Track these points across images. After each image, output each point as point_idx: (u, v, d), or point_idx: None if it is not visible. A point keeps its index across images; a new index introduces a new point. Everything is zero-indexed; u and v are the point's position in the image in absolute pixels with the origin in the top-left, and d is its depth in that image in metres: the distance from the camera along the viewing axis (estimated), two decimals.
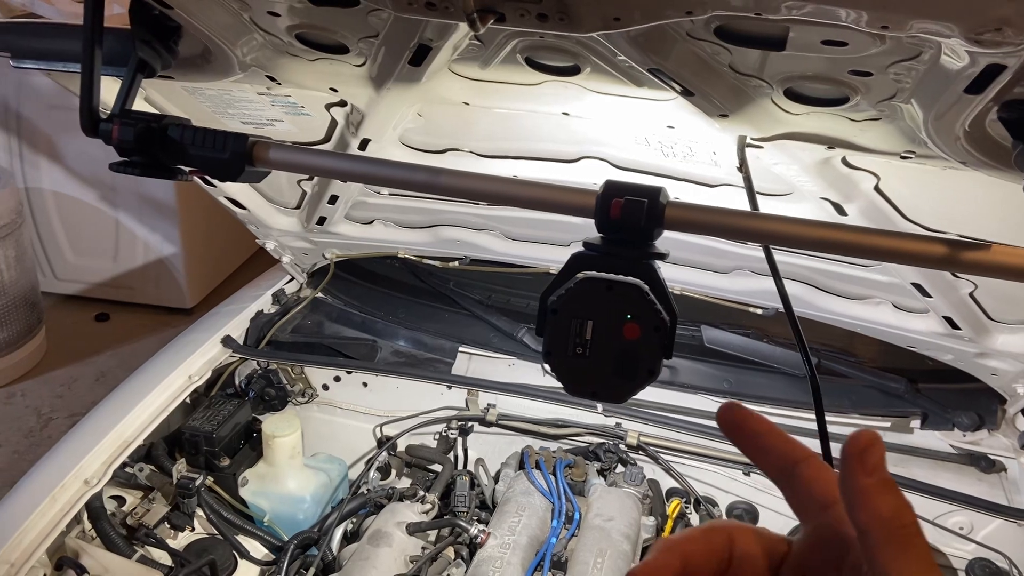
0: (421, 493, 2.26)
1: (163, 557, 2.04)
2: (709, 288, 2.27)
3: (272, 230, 2.50)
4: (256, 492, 2.29)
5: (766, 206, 1.57)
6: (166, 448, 2.25)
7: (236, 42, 1.46)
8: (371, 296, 2.79)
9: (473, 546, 2.05)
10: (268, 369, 2.55)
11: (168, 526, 2.14)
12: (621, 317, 0.99)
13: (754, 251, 2.04)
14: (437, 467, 2.44)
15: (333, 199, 2.29)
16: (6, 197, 4.17)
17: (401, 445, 2.48)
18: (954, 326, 1.99)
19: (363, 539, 2.09)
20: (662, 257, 1.01)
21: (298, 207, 2.40)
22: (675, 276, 2.25)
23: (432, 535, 2.15)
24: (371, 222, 2.47)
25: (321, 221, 2.41)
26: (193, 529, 2.19)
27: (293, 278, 2.82)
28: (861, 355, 2.39)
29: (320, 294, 2.79)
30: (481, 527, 2.06)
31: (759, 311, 2.27)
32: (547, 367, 1.11)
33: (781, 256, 1.84)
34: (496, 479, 2.35)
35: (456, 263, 2.53)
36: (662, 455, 2.31)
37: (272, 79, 1.64)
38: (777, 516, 2.26)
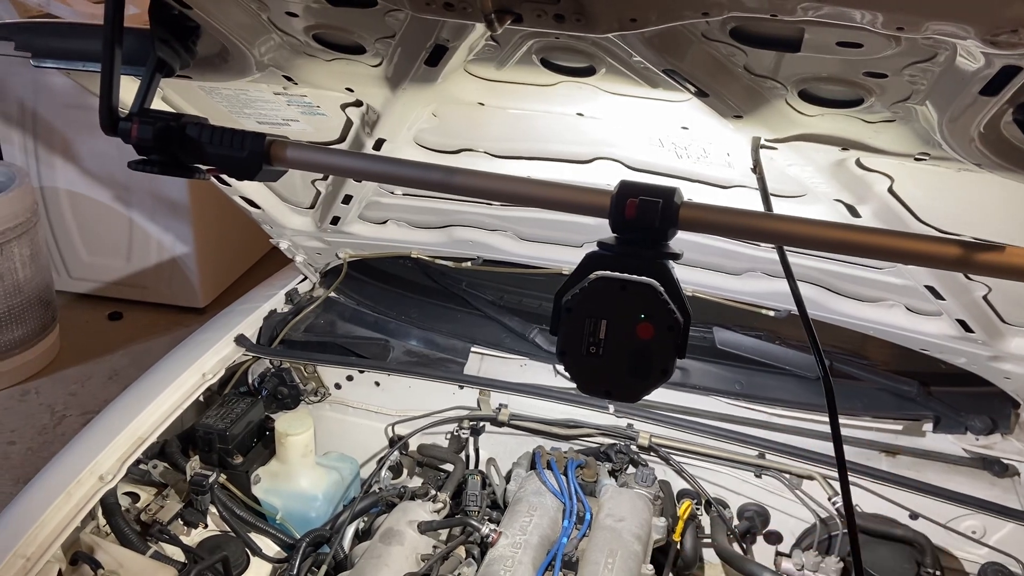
0: (433, 492, 2.27)
1: (176, 553, 2.05)
2: (721, 290, 2.27)
3: (286, 229, 2.52)
4: (268, 490, 2.30)
5: (780, 208, 1.57)
6: (180, 445, 2.27)
7: (254, 42, 1.47)
8: (384, 296, 2.80)
9: (484, 545, 2.06)
10: (281, 368, 2.56)
11: (181, 523, 2.15)
12: (635, 316, 1.00)
13: (766, 253, 2.03)
14: (449, 466, 2.44)
15: (347, 199, 2.30)
16: (21, 196, 4.20)
17: (413, 444, 2.49)
18: (967, 329, 1.99)
19: (375, 537, 2.10)
20: (676, 257, 1.02)
21: (312, 207, 2.42)
22: (687, 277, 2.25)
23: (444, 534, 2.16)
24: (384, 222, 2.48)
25: (335, 221, 2.42)
26: (206, 526, 2.20)
27: (306, 277, 2.83)
28: (873, 358, 2.38)
29: (333, 294, 2.80)
30: (492, 526, 2.07)
31: (771, 313, 2.27)
32: (561, 367, 1.12)
33: (793, 258, 1.83)
34: (508, 479, 2.36)
35: (469, 263, 2.54)
36: (673, 456, 2.31)
37: (289, 79, 1.66)
38: (787, 518, 2.26)
